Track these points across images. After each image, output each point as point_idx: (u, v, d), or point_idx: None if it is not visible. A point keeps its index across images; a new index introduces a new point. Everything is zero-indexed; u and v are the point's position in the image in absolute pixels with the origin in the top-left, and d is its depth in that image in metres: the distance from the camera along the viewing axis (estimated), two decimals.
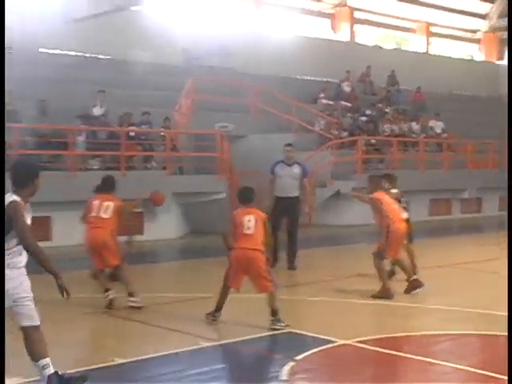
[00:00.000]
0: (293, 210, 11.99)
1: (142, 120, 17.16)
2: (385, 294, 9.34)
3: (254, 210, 7.86)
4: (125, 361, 6.32)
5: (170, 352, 6.84)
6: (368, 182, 10.63)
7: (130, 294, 8.60)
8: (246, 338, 7.23)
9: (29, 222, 5.37)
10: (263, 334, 7.45)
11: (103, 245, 8.66)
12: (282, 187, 11.95)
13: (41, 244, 15.77)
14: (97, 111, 16.94)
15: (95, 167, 15.53)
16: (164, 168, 16.35)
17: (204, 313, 8.07)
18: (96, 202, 8.83)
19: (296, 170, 12.00)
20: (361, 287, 9.98)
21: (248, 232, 7.68)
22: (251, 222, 7.70)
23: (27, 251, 5.28)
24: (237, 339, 7.17)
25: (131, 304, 8.53)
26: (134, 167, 16.30)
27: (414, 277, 9.81)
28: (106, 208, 8.75)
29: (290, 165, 12.03)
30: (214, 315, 7.88)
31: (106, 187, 9.11)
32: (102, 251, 8.68)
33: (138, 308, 8.49)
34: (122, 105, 17.42)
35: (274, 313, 7.69)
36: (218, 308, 7.89)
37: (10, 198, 5.28)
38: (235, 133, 19.22)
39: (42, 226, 14.28)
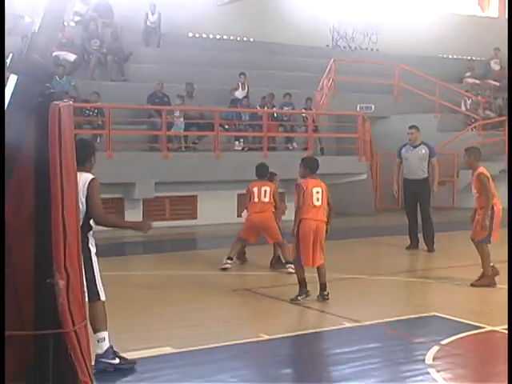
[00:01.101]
0: (422, 192, 11.90)
1: (284, 101, 17.37)
2: (487, 281, 8.77)
3: (320, 181, 8.09)
4: (270, 337, 6.48)
5: (313, 331, 6.95)
6: (466, 155, 9.13)
7: (288, 262, 9.62)
8: (388, 320, 7.19)
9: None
10: (406, 317, 7.39)
11: (267, 226, 9.89)
12: (409, 170, 12.00)
13: (187, 222, 16.25)
14: (239, 93, 17.31)
15: (238, 148, 15.91)
16: (305, 149, 16.44)
17: (344, 294, 8.18)
18: (255, 189, 9.92)
19: (422, 151, 11.92)
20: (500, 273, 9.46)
21: (317, 204, 7.90)
22: (319, 193, 7.92)
23: (101, 225, 5.44)
24: (379, 321, 7.16)
25: (290, 270, 9.39)
26: (276, 148, 16.54)
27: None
28: (264, 193, 9.87)
29: (415, 146, 11.98)
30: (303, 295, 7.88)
31: (261, 174, 10.14)
32: (265, 231, 9.94)
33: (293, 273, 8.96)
34: (264, 86, 17.68)
35: (324, 287, 7.89)
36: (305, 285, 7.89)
37: (87, 176, 5.36)
38: (377, 114, 18.98)
39: (189, 204, 14.86)
